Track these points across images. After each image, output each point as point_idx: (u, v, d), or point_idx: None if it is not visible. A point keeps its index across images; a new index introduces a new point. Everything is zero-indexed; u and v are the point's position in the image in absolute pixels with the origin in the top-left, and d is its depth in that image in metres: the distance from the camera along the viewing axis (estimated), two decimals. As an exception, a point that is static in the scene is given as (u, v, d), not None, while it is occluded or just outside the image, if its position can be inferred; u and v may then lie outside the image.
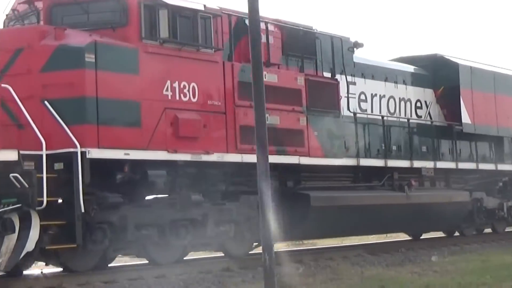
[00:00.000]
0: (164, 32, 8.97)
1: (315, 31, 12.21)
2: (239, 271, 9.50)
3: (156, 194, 9.31)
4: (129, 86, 8.63)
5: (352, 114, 12.61)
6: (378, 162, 13.10)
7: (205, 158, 9.58)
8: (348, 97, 12.66)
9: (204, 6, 9.58)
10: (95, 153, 8.13)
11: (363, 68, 13.33)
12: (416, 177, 14.13)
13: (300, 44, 11.61)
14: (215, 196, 9.92)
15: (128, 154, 8.53)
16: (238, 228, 10.06)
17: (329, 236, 15.09)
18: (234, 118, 10.12)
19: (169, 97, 9.17)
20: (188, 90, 9.41)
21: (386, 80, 13.81)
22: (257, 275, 8.64)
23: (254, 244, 10.73)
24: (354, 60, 13.06)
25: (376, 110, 13.53)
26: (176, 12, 9.08)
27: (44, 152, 7.50)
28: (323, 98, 11.71)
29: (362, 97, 13.22)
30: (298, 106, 11.16)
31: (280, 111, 10.83)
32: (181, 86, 9.29)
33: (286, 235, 10.35)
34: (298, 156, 10.96)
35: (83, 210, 7.74)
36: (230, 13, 10.45)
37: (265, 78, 9.40)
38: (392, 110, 13.90)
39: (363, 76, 13.22)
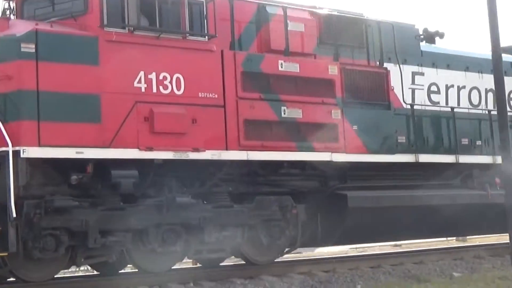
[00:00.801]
0: (133, 19, 7.75)
1: (366, 18, 10.69)
2: (489, 258, 10.98)
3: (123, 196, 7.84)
4: (85, 78, 7.40)
5: (416, 107, 10.81)
6: (445, 158, 10.88)
7: (194, 156, 8.10)
8: (413, 89, 10.92)
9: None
10: (33, 152, 6.95)
11: (434, 57, 11.44)
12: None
13: (345, 32, 10.01)
14: (221, 198, 8.57)
15: (81, 152, 7.26)
16: (254, 233, 8.75)
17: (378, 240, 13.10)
18: (237, 112, 8.54)
19: (143, 90, 7.80)
20: (170, 82, 7.99)
21: (467, 69, 11.84)
22: (505, 262, 9.92)
23: (286, 249, 9.60)
24: (423, 49, 11.38)
25: (452, 102, 11.52)
26: None
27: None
28: (368, 89, 10.00)
29: (433, 88, 11.33)
30: (329, 98, 9.46)
31: (303, 104, 9.06)
32: (160, 77, 7.91)
33: (328, 239, 9.77)
34: (330, 153, 9.25)
35: (14, 215, 6.53)
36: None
37: (281, 67, 8.73)
38: (475, 102, 11.92)
39: (434, 66, 11.35)
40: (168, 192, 8.03)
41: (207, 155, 8.19)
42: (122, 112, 7.59)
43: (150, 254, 8.01)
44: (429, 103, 11.18)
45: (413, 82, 10.98)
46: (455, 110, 11.27)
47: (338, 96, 9.50)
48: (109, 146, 7.48)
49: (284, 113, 8.96)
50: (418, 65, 11.10)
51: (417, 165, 10.56)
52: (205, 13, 8.31)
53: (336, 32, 9.91)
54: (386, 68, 10.30)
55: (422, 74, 11.15)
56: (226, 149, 8.38)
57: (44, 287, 7.60)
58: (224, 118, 8.40)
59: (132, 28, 7.77)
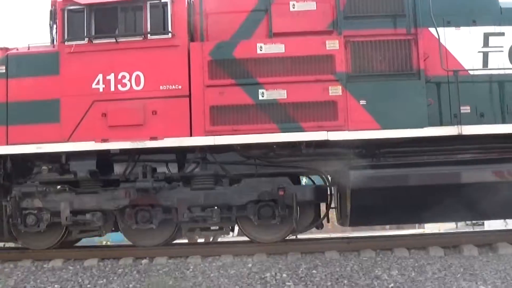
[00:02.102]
0: (90, 31, 8.45)
1: None
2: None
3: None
4: (47, 87, 8.31)
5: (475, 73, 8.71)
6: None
7: (152, 144, 8.16)
8: (486, 52, 8.79)
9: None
10: (2, 149, 8.24)
11: None
12: None
13: (382, 1, 8.69)
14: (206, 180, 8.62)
15: (40, 147, 8.14)
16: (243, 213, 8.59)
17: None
18: (203, 99, 8.18)
19: (100, 90, 8.28)
20: (129, 80, 8.29)
21: None
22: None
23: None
24: (503, 5, 9.12)
25: None
26: (110, 7, 8.52)
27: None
28: (385, 59, 8.43)
29: None
30: (327, 74, 8.30)
31: (289, 84, 8.23)
32: (119, 77, 8.29)
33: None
34: (325, 132, 8.07)
35: None
36: None
37: (260, 50, 8.40)
38: None
39: None
40: (143, 177, 8.38)
41: (166, 142, 8.11)
42: (80, 111, 8.20)
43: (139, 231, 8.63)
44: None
45: (487, 45, 8.82)
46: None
47: (340, 71, 8.23)
48: (67, 140, 8.16)
49: (262, 96, 8.18)
50: (494, 25, 8.91)
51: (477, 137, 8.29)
52: (169, 13, 8.45)
53: (363, 3, 8.65)
54: (415, 34, 8.47)
55: (502, 34, 8.88)
56: (191, 135, 8.17)
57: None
58: (190, 106, 8.21)
59: (87, 39, 8.45)
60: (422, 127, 8.11)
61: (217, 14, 8.84)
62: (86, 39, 8.42)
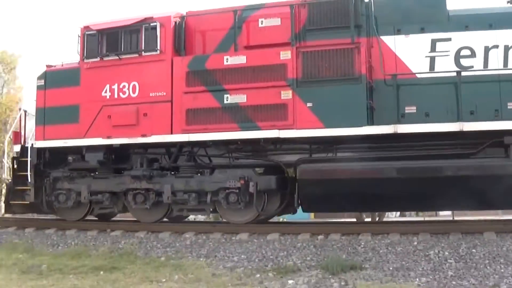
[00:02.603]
0: (101, 50, 10.84)
1: None
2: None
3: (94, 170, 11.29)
4: (71, 95, 10.93)
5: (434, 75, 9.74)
6: (444, 127, 9.31)
7: (142, 140, 10.47)
8: (433, 57, 9.78)
9: (149, 18, 10.71)
10: (39, 143, 11.04)
11: (467, 20, 9.87)
12: None
13: (338, 15, 10.00)
14: (189, 170, 10.67)
15: (66, 142, 10.85)
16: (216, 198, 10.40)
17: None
18: (181, 104, 10.25)
19: (107, 97, 10.72)
20: (128, 88, 10.59)
21: None
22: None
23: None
24: (451, 13, 10.02)
25: (494, 64, 9.56)
26: (116, 31, 10.84)
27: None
28: (331, 66, 9.78)
29: (465, 52, 9.70)
30: (280, 80, 9.91)
31: (248, 89, 10.01)
32: (120, 86, 10.64)
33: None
34: (277, 130, 9.75)
35: (32, 181, 11.03)
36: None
37: (227, 62, 10.18)
38: None
39: (466, 29, 9.79)
40: (139, 166, 10.68)
41: (153, 139, 10.36)
42: (93, 114, 10.74)
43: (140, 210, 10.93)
44: (458, 68, 9.56)
45: (433, 50, 9.77)
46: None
47: (290, 78, 9.76)
48: (83, 137, 10.74)
49: (227, 100, 10.03)
50: (441, 31, 9.80)
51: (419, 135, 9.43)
52: (158, 34, 10.57)
53: (322, 17, 10.09)
54: (358, 43, 9.72)
55: (448, 39, 9.75)
56: (171, 133, 10.28)
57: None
58: (171, 110, 10.33)
59: (99, 57, 10.86)
60: (361, 126, 9.40)
61: (202, 32, 10.87)
62: (98, 57, 10.88)
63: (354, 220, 11.91)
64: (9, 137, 12.84)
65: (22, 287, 8.04)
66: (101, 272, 8.61)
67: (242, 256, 8.83)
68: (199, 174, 10.60)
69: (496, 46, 9.54)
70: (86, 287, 7.87)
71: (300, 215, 12.35)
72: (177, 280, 8.01)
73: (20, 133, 11.63)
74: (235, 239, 9.61)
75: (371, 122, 9.52)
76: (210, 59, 10.30)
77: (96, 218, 12.05)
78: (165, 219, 11.32)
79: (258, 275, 7.94)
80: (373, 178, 9.47)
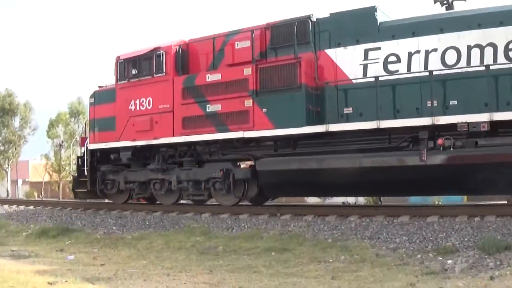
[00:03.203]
0: (128, 74, 14.53)
1: (312, 19, 12.34)
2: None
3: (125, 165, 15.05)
4: (110, 109, 14.80)
5: (366, 80, 11.58)
6: (361, 125, 11.36)
7: (155, 142, 13.98)
8: (366, 64, 11.69)
9: (157, 48, 14.08)
10: (92, 146, 15.10)
11: (394, 29, 11.52)
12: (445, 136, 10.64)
13: (290, 35, 12.31)
14: (189, 164, 13.87)
15: (107, 145, 14.74)
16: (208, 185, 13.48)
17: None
18: (179, 113, 13.58)
19: (132, 110, 14.38)
20: (145, 102, 14.16)
21: (441, 31, 11.02)
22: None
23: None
24: (382, 25, 11.74)
25: (416, 67, 11.19)
26: (135, 59, 14.45)
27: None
28: (281, 78, 12.23)
29: (392, 59, 11.46)
30: (244, 92, 12.62)
31: (222, 100, 12.96)
32: (140, 101, 14.25)
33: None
34: (242, 131, 12.56)
35: (88, 174, 15.23)
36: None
37: (208, 79, 13.26)
38: (451, 62, 10.87)
39: (393, 37, 11.45)
40: (161, 163, 14.10)
41: (161, 140, 13.82)
42: (124, 123, 14.49)
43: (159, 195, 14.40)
44: (384, 73, 11.37)
45: (366, 58, 11.67)
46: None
47: (251, 89, 12.40)
48: (118, 140, 14.53)
49: (208, 109, 13.09)
50: (372, 42, 11.57)
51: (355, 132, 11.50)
52: (164, 59, 13.89)
53: (282, 37, 12.60)
54: (299, 58, 11.96)
55: (378, 48, 11.55)
56: (173, 136, 13.62)
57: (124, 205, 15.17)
58: (172, 118, 13.64)
59: (127, 80, 14.52)
60: (301, 126, 11.77)
61: (200, 54, 13.87)
62: (126, 79, 14.59)
63: (505, 202, 12.81)
64: (75, 140, 17.43)
65: (201, 266, 8.76)
66: (273, 253, 9.26)
67: (404, 237, 9.27)
68: (197, 167, 13.81)
69: (418, 51, 11.18)
70: (259, 266, 8.44)
71: (453, 198, 13.85)
72: (343, 261, 8.51)
73: (85, 138, 15.95)
74: (396, 221, 10.14)
75: (312, 123, 11.75)
76: (198, 77, 13.38)
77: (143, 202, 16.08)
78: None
79: (419, 256, 8.33)
80: (313, 169, 11.84)
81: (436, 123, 10.52)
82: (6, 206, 17.84)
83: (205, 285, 7.29)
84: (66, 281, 7.67)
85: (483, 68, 10.33)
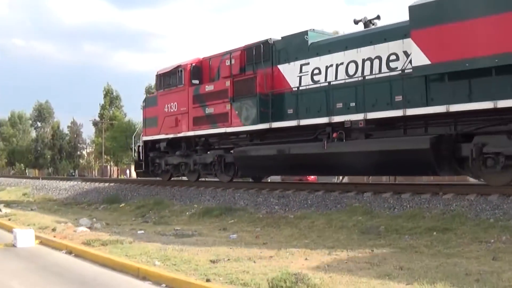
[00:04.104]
0: (165, 84, 20.12)
1: (270, 42, 16.52)
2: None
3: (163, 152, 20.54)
4: (154, 111, 20.54)
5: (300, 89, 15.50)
6: (288, 123, 15.35)
7: (179, 135, 19.43)
8: (301, 76, 15.63)
9: (179, 66, 19.41)
10: (144, 138, 21.07)
11: (318, 48, 15.18)
12: (339, 130, 14.20)
13: (259, 54, 16.70)
14: (201, 151, 18.98)
15: (152, 137, 20.62)
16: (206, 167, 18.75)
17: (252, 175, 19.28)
18: (191, 114, 18.86)
19: (166, 111, 19.92)
20: (173, 106, 19.63)
21: (346, 48, 14.37)
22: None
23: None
24: (311, 45, 15.43)
25: (331, 78, 14.68)
26: (165, 74, 20.00)
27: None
28: (246, 88, 16.69)
29: (316, 71, 15.19)
30: (226, 98, 17.35)
31: (214, 104, 17.96)
32: (170, 105, 19.73)
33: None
34: (225, 128, 17.40)
35: (142, 159, 20.99)
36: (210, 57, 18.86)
37: (206, 89, 18.71)
38: (351, 73, 14.14)
39: (317, 55, 15.12)
40: (184, 150, 19.50)
41: (182, 134, 19.16)
42: (162, 121, 20.11)
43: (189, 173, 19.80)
44: (312, 83, 15.12)
45: (301, 71, 15.55)
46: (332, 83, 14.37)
47: (230, 97, 17.01)
48: (158, 134, 20.26)
49: (206, 111, 18.07)
50: (305, 58, 15.33)
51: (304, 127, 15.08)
52: (182, 73, 19.12)
53: (254, 55, 16.93)
54: (256, 73, 16.25)
55: (308, 64, 15.31)
56: (188, 131, 18.87)
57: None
58: (188, 117, 18.86)
59: (162, 89, 20.08)
60: (255, 124, 16.11)
61: (210, 69, 18.74)
62: (162, 89, 20.15)
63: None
64: (136, 133, 23.51)
65: (362, 246, 8.65)
66: (434, 233, 9.01)
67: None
68: (206, 153, 18.91)
69: (331, 65, 14.76)
70: (421, 246, 8.22)
71: None
72: (505, 241, 8.15)
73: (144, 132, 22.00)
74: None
75: (264, 121, 15.87)
76: (201, 88, 18.36)
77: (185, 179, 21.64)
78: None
79: None
80: (267, 155, 16.10)
81: (331, 121, 14.11)
82: (168, 187, 20.01)
83: (366, 264, 7.21)
84: (228, 260, 7.86)
85: (372, 76, 13.51)
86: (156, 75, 20.49)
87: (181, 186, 19.39)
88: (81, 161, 76.03)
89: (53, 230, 12.58)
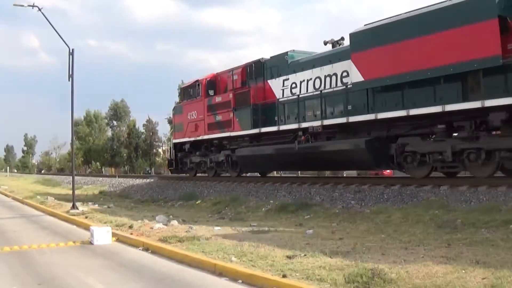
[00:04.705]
0: (187, 95, 24.26)
1: (262, 61, 20.11)
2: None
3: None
4: (181, 117, 24.69)
5: (284, 100, 18.97)
6: (272, 128, 18.88)
7: (199, 138, 23.42)
8: (283, 89, 19.24)
9: (197, 80, 23.49)
10: (174, 141, 25.57)
11: (295, 66, 18.63)
12: (306, 134, 17.54)
13: (252, 71, 20.33)
14: (215, 151, 22.88)
15: (179, 140, 24.91)
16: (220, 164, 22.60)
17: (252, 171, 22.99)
18: (206, 121, 22.91)
19: (189, 118, 23.97)
20: (194, 114, 23.69)
21: (313, 67, 17.65)
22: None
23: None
24: (290, 63, 18.89)
25: (303, 91, 18.07)
26: (187, 87, 24.15)
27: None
28: (243, 100, 20.39)
29: (293, 85, 18.63)
30: (229, 108, 21.09)
31: (222, 113, 21.88)
32: (192, 113, 23.76)
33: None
34: (229, 132, 21.22)
35: (172, 158, 25.57)
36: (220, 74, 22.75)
37: (217, 100, 22.86)
38: (317, 87, 17.43)
39: (294, 72, 18.54)
40: (203, 151, 23.54)
41: (200, 137, 23.08)
42: (186, 126, 24.22)
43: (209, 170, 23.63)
44: (291, 95, 18.53)
45: (283, 85, 19.07)
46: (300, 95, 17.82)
47: (232, 107, 20.72)
48: (183, 137, 24.48)
49: (216, 119, 21.93)
50: (286, 75, 18.78)
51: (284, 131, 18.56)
52: (200, 88, 23.10)
53: (251, 72, 20.52)
54: (249, 87, 19.87)
55: (288, 79, 18.79)
56: (204, 135, 22.80)
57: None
58: (204, 124, 22.81)
59: (185, 100, 24.23)
60: (249, 129, 19.69)
61: (219, 83, 22.60)
62: (185, 99, 24.31)
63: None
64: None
65: (439, 240, 8.60)
66: (511, 226, 8.86)
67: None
68: (220, 153, 22.70)
69: (304, 80, 18.14)
70: (497, 240, 8.13)
71: None
72: None
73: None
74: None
75: (256, 127, 19.43)
76: (212, 99, 22.23)
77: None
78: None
79: None
80: (259, 154, 19.69)
81: (300, 127, 17.47)
82: (244, 183, 20.07)
83: (442, 258, 7.16)
84: (304, 255, 7.77)
85: (330, 90, 16.77)
86: (180, 88, 24.70)
87: (256, 182, 19.63)
88: (157, 159, 74.46)
89: (130, 227, 12.52)
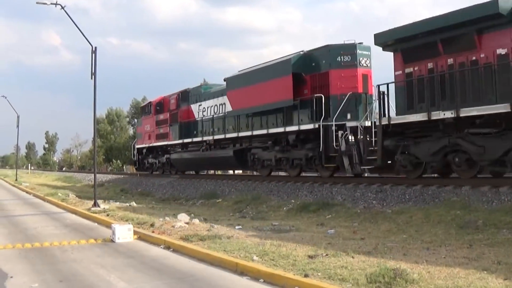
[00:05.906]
0: (144, 112, 31.94)
1: (188, 90, 27.65)
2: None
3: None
4: (141, 129, 32.73)
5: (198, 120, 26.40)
6: (189, 140, 26.60)
7: (151, 144, 31.49)
8: (199, 112, 26.71)
9: (150, 102, 30.94)
10: (137, 146, 33.74)
11: (205, 95, 26.23)
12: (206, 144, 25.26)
13: (182, 97, 27.81)
14: (161, 155, 30.76)
15: (140, 146, 33.12)
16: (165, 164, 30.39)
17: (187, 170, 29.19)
18: (154, 132, 30.46)
19: (145, 130, 31.77)
20: (147, 127, 31.35)
21: (213, 97, 25.36)
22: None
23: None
24: (203, 93, 26.49)
25: (209, 114, 25.58)
26: (144, 106, 31.84)
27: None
28: (175, 118, 28.06)
29: (203, 109, 26.20)
30: (167, 124, 28.75)
31: (163, 127, 29.36)
32: (147, 126, 31.50)
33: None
34: (167, 141, 28.77)
35: (137, 159, 34.57)
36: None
37: (160, 117, 30.41)
38: (215, 111, 24.98)
39: (205, 99, 26.12)
40: (155, 154, 31.20)
41: (151, 144, 30.95)
42: (143, 135, 32.13)
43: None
44: (202, 116, 25.89)
45: (198, 110, 26.41)
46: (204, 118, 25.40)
47: (169, 123, 28.56)
48: (142, 144, 32.40)
49: (160, 131, 29.46)
50: (200, 101, 26.22)
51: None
52: (151, 107, 30.62)
53: (182, 98, 27.97)
54: (179, 110, 27.27)
55: (201, 105, 26.21)
56: (153, 143, 30.58)
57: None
58: (154, 134, 30.42)
59: (143, 116, 32.13)
60: (177, 140, 27.23)
61: (163, 104, 29.97)
62: (143, 115, 31.95)
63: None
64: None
65: (460, 240, 8.65)
66: None
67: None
68: (164, 156, 29.84)
69: (210, 106, 25.38)
70: None
71: None
72: None
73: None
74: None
75: (180, 139, 26.81)
76: (158, 116, 29.77)
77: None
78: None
79: None
80: (183, 158, 27.13)
81: (203, 139, 24.80)
82: (265, 182, 19.77)
83: (464, 259, 7.15)
84: (326, 255, 7.75)
85: (218, 115, 24.05)
86: (140, 107, 32.31)
87: (278, 182, 19.28)
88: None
89: (152, 225, 12.40)
